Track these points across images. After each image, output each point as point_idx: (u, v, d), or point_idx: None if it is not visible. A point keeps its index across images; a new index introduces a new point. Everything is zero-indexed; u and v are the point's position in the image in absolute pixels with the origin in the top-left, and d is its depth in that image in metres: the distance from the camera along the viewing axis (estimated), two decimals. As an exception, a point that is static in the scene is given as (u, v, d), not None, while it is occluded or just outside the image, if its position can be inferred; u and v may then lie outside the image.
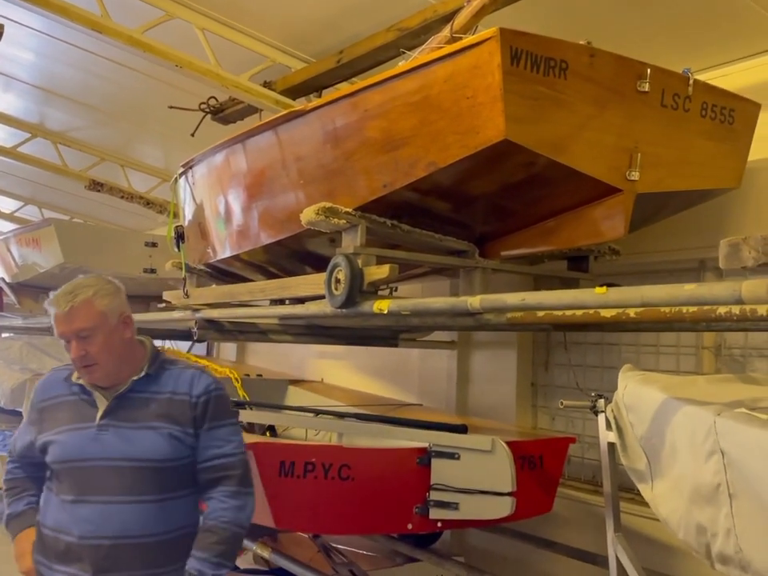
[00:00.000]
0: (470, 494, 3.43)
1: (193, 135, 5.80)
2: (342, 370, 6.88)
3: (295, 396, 6.17)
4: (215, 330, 5.12)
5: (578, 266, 4.10)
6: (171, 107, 5.99)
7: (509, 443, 3.47)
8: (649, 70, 3.12)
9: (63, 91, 7.22)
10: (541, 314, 3.07)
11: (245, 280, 4.94)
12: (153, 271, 7.40)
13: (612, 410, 3.00)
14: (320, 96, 5.11)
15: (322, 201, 3.46)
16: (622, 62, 3.09)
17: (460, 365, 5.70)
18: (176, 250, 5.33)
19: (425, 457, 3.54)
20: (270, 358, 7.75)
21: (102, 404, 2.62)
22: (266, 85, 5.24)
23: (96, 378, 2.63)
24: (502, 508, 3.39)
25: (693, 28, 4.04)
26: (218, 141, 4.48)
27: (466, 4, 3.60)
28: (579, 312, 2.93)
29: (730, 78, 4.05)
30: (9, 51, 6.32)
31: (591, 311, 2.87)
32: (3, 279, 8.79)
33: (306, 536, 4.97)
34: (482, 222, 3.68)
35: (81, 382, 2.67)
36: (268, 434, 5.64)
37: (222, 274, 5.20)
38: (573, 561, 4.33)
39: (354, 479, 3.42)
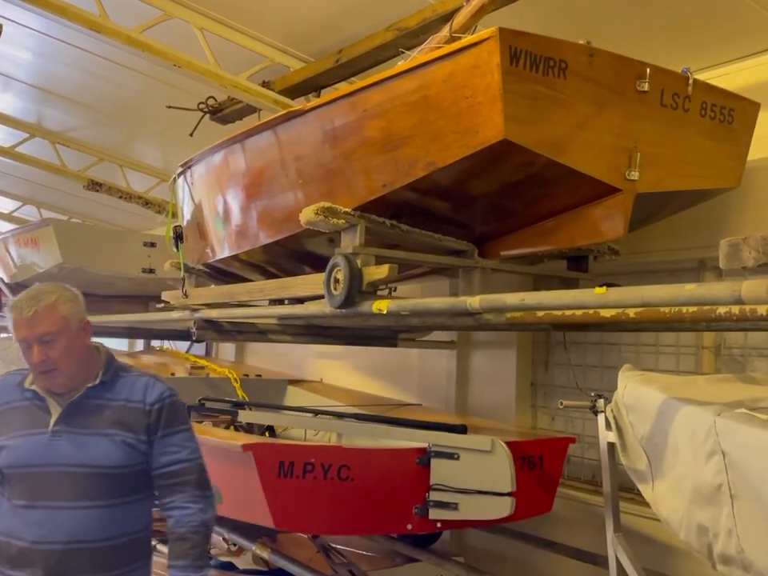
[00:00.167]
0: (469, 494, 3.42)
1: (191, 135, 5.80)
2: (341, 370, 6.88)
3: (294, 396, 6.16)
4: (214, 330, 5.11)
5: (578, 266, 4.10)
6: (170, 107, 5.99)
7: (508, 443, 3.46)
8: (648, 70, 3.12)
9: (61, 91, 7.22)
10: (540, 314, 3.06)
11: (244, 280, 4.93)
12: (151, 271, 7.39)
13: (612, 410, 3.00)
14: (319, 96, 5.10)
15: (321, 201, 3.46)
16: (621, 62, 3.09)
17: (459, 365, 5.69)
18: (175, 250, 5.33)
19: (424, 457, 3.53)
20: (269, 358, 7.74)
21: (56, 410, 2.64)
22: (265, 84, 5.23)
23: (55, 384, 2.64)
24: (502, 508, 3.39)
25: (692, 27, 4.04)
26: (216, 141, 4.48)
27: (465, 4, 3.59)
28: (579, 312, 2.93)
29: (730, 77, 4.04)
30: (7, 51, 6.32)
31: (591, 311, 2.87)
32: (2, 279, 8.78)
33: (306, 536, 4.97)
34: (482, 222, 3.67)
35: (34, 387, 2.67)
36: (267, 434, 5.64)
37: (220, 274, 5.19)
38: (572, 561, 4.32)
39: (353, 479, 3.41)
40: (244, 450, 3.33)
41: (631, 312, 2.83)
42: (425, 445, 3.58)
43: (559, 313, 3.02)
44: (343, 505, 3.43)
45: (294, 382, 6.39)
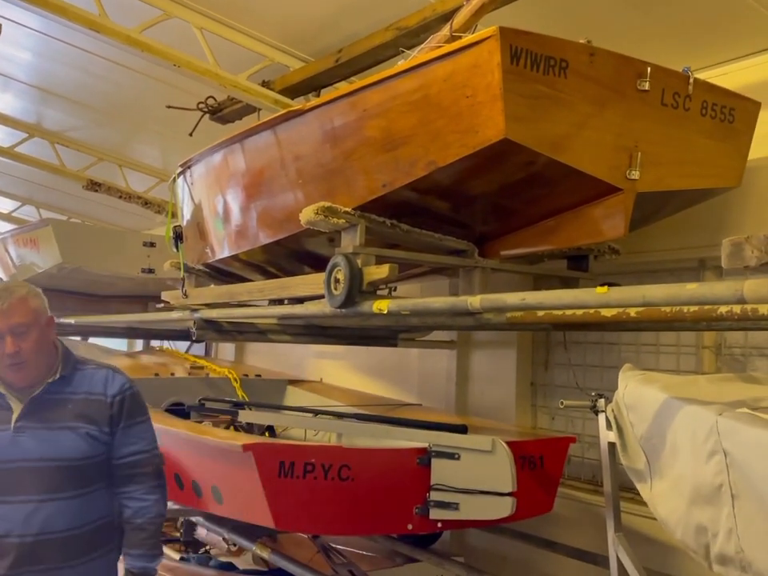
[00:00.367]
0: (470, 494, 3.42)
1: (191, 135, 5.80)
2: (341, 370, 6.87)
3: (294, 396, 6.16)
4: (214, 330, 5.10)
5: (578, 266, 4.10)
6: (169, 107, 5.99)
7: (509, 443, 3.45)
8: (649, 69, 3.11)
9: (61, 91, 7.21)
10: (541, 313, 3.06)
11: (243, 280, 4.92)
12: (151, 271, 7.39)
13: (612, 410, 2.99)
14: (318, 95, 5.10)
15: (321, 200, 3.45)
16: (622, 61, 3.08)
17: (459, 364, 5.69)
18: (174, 250, 5.33)
19: (425, 457, 3.53)
20: (269, 358, 7.73)
21: (17, 406, 2.70)
22: (265, 84, 5.23)
23: (22, 377, 2.70)
24: (503, 508, 3.38)
25: (693, 27, 4.03)
26: (216, 140, 4.47)
27: (465, 3, 3.58)
28: (580, 312, 2.92)
29: (730, 76, 4.04)
30: (6, 51, 6.32)
31: (592, 311, 2.87)
32: (1, 280, 8.78)
33: (306, 536, 4.96)
34: (482, 222, 3.67)
35: None
36: (267, 434, 5.63)
37: (220, 274, 5.19)
38: (573, 561, 4.32)
39: (353, 480, 3.40)
40: (244, 450, 3.32)
41: (632, 311, 2.83)
42: (425, 445, 3.57)
43: (560, 312, 3.01)
44: (344, 505, 3.43)
45: (294, 382, 6.38)
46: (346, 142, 3.47)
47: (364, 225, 3.44)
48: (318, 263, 3.93)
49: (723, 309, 2.48)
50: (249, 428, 5.59)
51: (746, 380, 3.03)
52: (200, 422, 5.11)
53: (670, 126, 3.25)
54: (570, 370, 5.01)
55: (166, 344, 8.44)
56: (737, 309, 2.42)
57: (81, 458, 2.71)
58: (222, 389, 6.05)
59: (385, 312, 3.29)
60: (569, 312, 2.97)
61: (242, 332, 5.19)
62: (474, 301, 2.99)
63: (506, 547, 4.99)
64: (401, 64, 3.29)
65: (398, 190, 3.30)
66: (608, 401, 3.06)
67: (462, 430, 3.93)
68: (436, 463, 3.51)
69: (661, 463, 2.61)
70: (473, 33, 3.34)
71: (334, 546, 4.85)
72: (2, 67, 6.87)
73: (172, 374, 6.26)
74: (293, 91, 5.21)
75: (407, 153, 3.20)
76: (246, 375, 6.38)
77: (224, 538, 5.32)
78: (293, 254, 4.32)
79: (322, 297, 3.60)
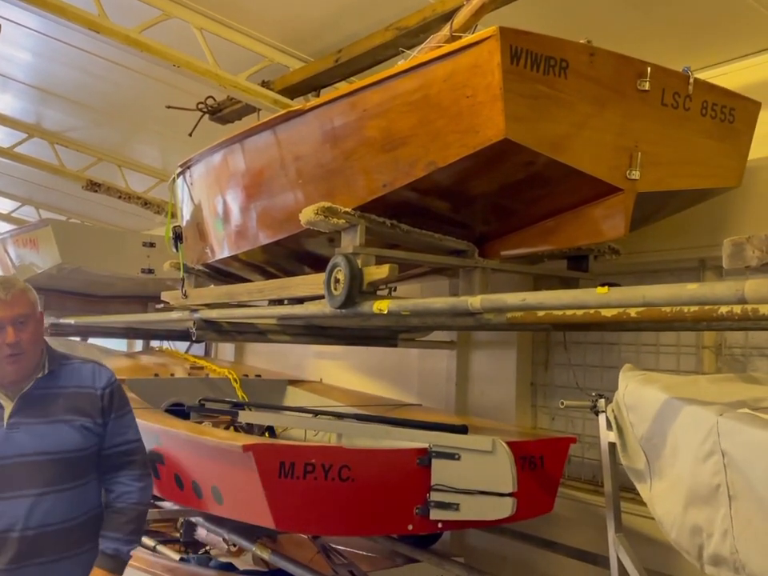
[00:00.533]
0: (470, 494, 3.41)
1: (191, 135, 5.80)
2: (341, 370, 6.87)
3: (294, 396, 6.16)
4: (214, 331, 5.10)
5: (578, 266, 4.09)
6: (169, 107, 5.99)
7: (509, 443, 3.45)
8: (649, 69, 3.11)
9: (60, 91, 7.21)
10: (541, 313, 3.06)
11: (243, 280, 4.92)
12: (151, 271, 7.38)
13: (612, 410, 2.99)
14: (318, 95, 5.10)
15: (321, 201, 3.45)
16: (622, 61, 3.08)
17: (459, 365, 5.68)
18: (174, 250, 5.32)
19: (425, 457, 3.52)
20: (269, 358, 7.73)
21: (8, 403, 2.73)
22: (264, 84, 5.23)
23: (18, 368, 2.73)
24: (503, 509, 3.37)
25: (693, 26, 4.03)
26: (215, 141, 4.47)
27: (465, 3, 3.59)
28: (580, 312, 2.92)
29: (730, 76, 4.04)
30: (5, 51, 6.31)
31: (592, 311, 2.86)
32: (0, 279, 8.75)
33: (306, 537, 4.96)
34: (482, 222, 3.67)
35: None
36: (267, 434, 5.63)
37: (220, 274, 5.18)
38: (573, 561, 4.32)
39: (354, 480, 3.40)
40: (244, 450, 3.31)
41: (632, 312, 2.82)
42: (426, 445, 3.57)
43: (560, 313, 3.01)
44: (344, 505, 3.42)
45: (294, 383, 6.38)
46: (346, 142, 3.47)
47: (364, 225, 3.44)
48: (318, 263, 3.93)
49: (724, 309, 2.48)
50: (249, 428, 5.59)
51: (746, 380, 3.03)
52: (200, 423, 5.10)
53: (670, 126, 3.25)
54: (570, 370, 5.01)
55: (165, 344, 8.44)
56: (737, 309, 2.42)
57: (76, 450, 2.78)
58: (222, 389, 6.05)
59: (385, 312, 3.29)
60: (569, 312, 2.96)
61: (242, 332, 5.19)
62: (475, 301, 2.98)
63: (507, 547, 4.99)
64: (401, 64, 3.28)
65: (398, 190, 3.30)
66: (608, 401, 3.05)
67: (462, 430, 3.93)
68: (436, 463, 3.50)
69: (661, 463, 2.61)
70: (473, 33, 3.34)
71: (334, 546, 4.85)
72: (1, 67, 6.86)
73: (172, 375, 6.26)
74: (292, 91, 5.21)
75: (407, 153, 3.20)
76: (246, 375, 6.38)
77: (224, 539, 5.31)
78: (293, 255, 4.32)
79: (321, 297, 3.60)
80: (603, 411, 3.08)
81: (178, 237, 5.26)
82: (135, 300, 8.23)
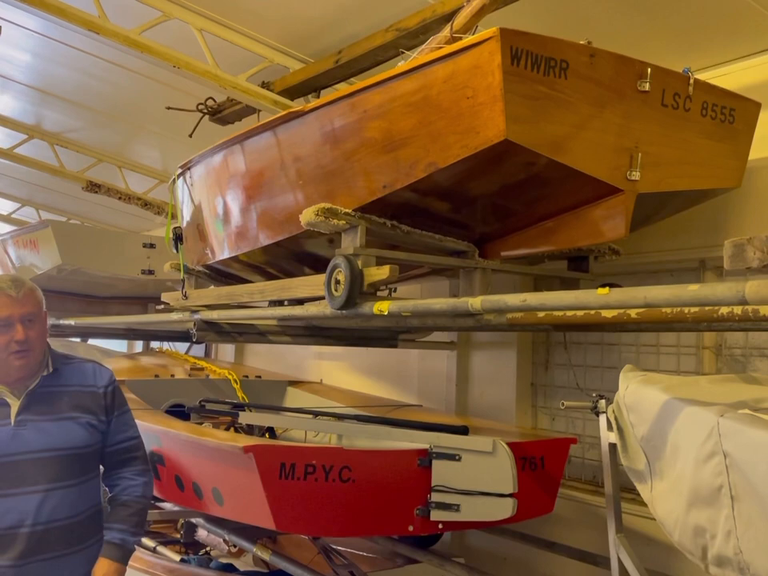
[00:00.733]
0: (471, 495, 3.41)
1: (191, 136, 5.80)
2: (341, 371, 6.87)
3: (294, 397, 6.16)
4: (214, 332, 5.10)
5: (578, 266, 4.10)
6: (169, 108, 5.99)
7: (510, 444, 3.45)
8: (649, 70, 3.11)
9: (60, 92, 7.21)
10: (541, 314, 3.06)
11: (243, 281, 4.92)
12: (151, 272, 7.39)
13: (613, 411, 2.99)
14: (318, 96, 5.10)
15: (322, 202, 3.45)
16: (622, 62, 3.08)
17: (459, 365, 5.69)
18: (174, 251, 5.33)
19: (426, 458, 3.52)
20: (269, 359, 7.74)
21: (14, 401, 2.78)
22: (264, 85, 5.23)
23: (24, 364, 2.78)
24: (504, 509, 3.37)
25: (693, 27, 4.03)
26: (216, 142, 4.47)
27: (465, 4, 3.59)
28: (580, 313, 2.92)
29: (731, 77, 4.04)
30: (6, 52, 6.32)
31: (592, 312, 2.86)
32: None
33: (306, 538, 4.96)
34: (482, 223, 3.67)
35: None
36: (267, 435, 5.63)
37: (220, 275, 5.19)
38: (574, 562, 4.32)
39: (354, 481, 3.40)
40: (245, 451, 3.31)
41: (633, 312, 2.83)
42: (426, 446, 3.57)
43: (560, 313, 3.01)
44: (345, 506, 3.42)
45: (294, 383, 6.38)
46: (347, 143, 3.47)
47: (364, 226, 3.44)
48: (319, 264, 3.93)
49: (724, 310, 2.48)
50: (249, 429, 5.59)
51: (746, 381, 3.03)
52: (200, 424, 5.11)
53: (671, 127, 3.25)
54: (571, 370, 5.01)
55: (165, 345, 8.44)
56: (738, 310, 2.42)
57: (82, 447, 2.83)
58: (222, 390, 6.05)
59: (385, 313, 3.29)
60: (570, 313, 2.96)
61: (242, 333, 5.19)
62: (475, 302, 2.98)
63: (507, 548, 4.99)
64: (401, 65, 3.28)
65: (399, 191, 3.30)
66: (609, 402, 3.05)
67: (463, 431, 3.93)
68: (437, 464, 3.50)
69: (661, 464, 2.61)
70: (473, 34, 3.34)
71: (334, 547, 4.85)
72: (1, 68, 6.86)
73: (172, 376, 6.25)
74: (292, 92, 5.21)
75: (408, 154, 3.19)
76: (246, 376, 6.37)
77: (224, 540, 5.31)
78: (293, 256, 4.32)
79: (322, 298, 3.60)
80: (604, 412, 3.08)
81: (178, 238, 5.27)
82: (135, 301, 8.23)
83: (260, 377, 6.50)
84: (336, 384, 6.39)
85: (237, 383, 6.11)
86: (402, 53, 3.72)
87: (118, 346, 10.47)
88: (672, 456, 2.51)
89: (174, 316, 5.40)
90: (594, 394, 3.17)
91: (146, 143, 8.51)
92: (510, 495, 3.37)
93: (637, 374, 2.98)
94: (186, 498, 4.10)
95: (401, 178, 3.25)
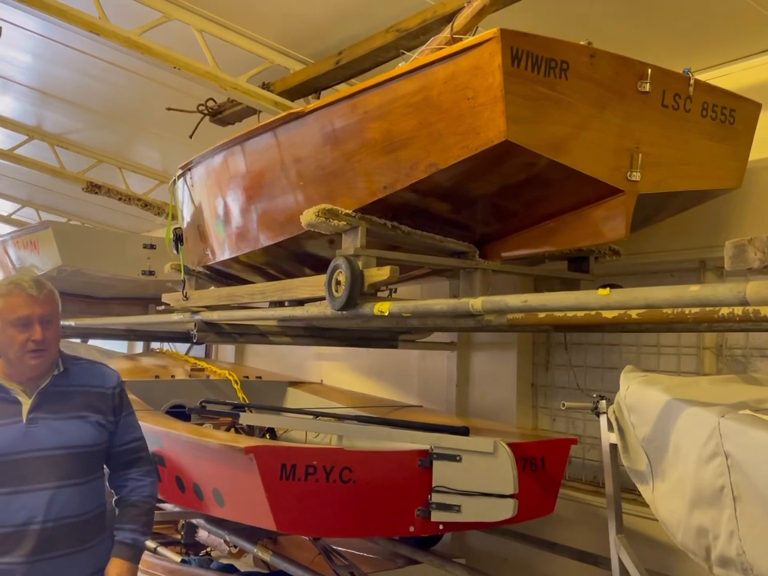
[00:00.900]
0: (471, 496, 3.41)
1: (191, 137, 5.80)
2: (341, 372, 6.87)
3: (295, 398, 6.15)
4: (214, 332, 5.10)
5: (579, 267, 4.09)
6: (169, 109, 5.99)
7: (510, 445, 3.44)
8: (649, 70, 3.11)
9: (61, 93, 7.21)
10: (542, 315, 3.06)
11: (244, 282, 4.92)
12: (151, 273, 7.40)
13: (614, 411, 2.99)
14: (319, 97, 5.10)
15: (322, 202, 3.45)
16: (622, 63, 3.08)
17: (460, 366, 5.69)
18: (175, 252, 5.33)
19: (426, 459, 3.52)
20: (269, 360, 7.74)
21: (25, 399, 2.82)
22: (265, 86, 5.23)
23: (40, 363, 2.82)
24: (505, 510, 3.37)
25: (693, 28, 4.04)
26: (216, 142, 4.47)
27: (466, 5, 3.59)
28: (581, 313, 2.92)
29: (731, 77, 4.04)
30: (6, 53, 6.32)
31: (593, 312, 2.86)
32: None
33: (307, 538, 4.96)
34: (483, 223, 3.67)
35: None
36: (267, 436, 5.63)
37: (221, 276, 5.19)
38: (574, 562, 4.32)
39: (355, 482, 3.40)
40: (246, 452, 3.31)
41: (633, 313, 2.82)
42: (427, 447, 3.57)
43: (561, 314, 3.01)
44: (345, 507, 3.42)
45: (295, 384, 6.38)
46: (347, 144, 3.47)
47: (365, 227, 3.44)
48: (319, 265, 3.93)
49: (725, 310, 2.48)
50: (249, 430, 5.59)
51: (747, 381, 3.03)
52: (201, 425, 5.10)
53: (671, 128, 3.25)
54: (571, 371, 5.01)
55: (166, 346, 8.44)
56: (739, 311, 2.42)
57: (91, 445, 2.88)
58: (223, 391, 6.05)
59: (386, 314, 3.29)
60: (570, 314, 2.96)
61: (243, 334, 5.20)
62: (476, 303, 2.98)
63: (508, 549, 4.99)
64: (401, 66, 3.28)
65: (399, 192, 3.30)
66: (609, 402, 3.05)
67: (463, 431, 3.93)
68: (437, 465, 3.50)
69: (663, 465, 2.61)
70: (473, 35, 3.34)
71: (334, 547, 4.85)
72: (1, 70, 6.86)
73: (172, 376, 6.26)
74: (293, 93, 5.21)
75: (408, 155, 3.20)
76: (247, 377, 6.37)
77: (225, 540, 5.31)
78: (293, 256, 4.32)
79: (322, 299, 3.60)
80: (604, 412, 3.08)
81: (178, 239, 5.27)
82: (136, 302, 8.24)
83: (260, 377, 6.50)
84: (336, 385, 6.39)
85: (237, 384, 6.11)
86: (403, 54, 3.73)
87: (119, 346, 10.48)
88: (673, 457, 2.51)
89: (175, 317, 5.40)
90: (594, 395, 3.17)
91: (146, 144, 8.51)
92: (511, 496, 3.37)
93: (638, 375, 2.98)
94: (186, 499, 4.10)
95: (401, 179, 3.25)
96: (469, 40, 2.98)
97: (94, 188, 8.77)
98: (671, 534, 2.52)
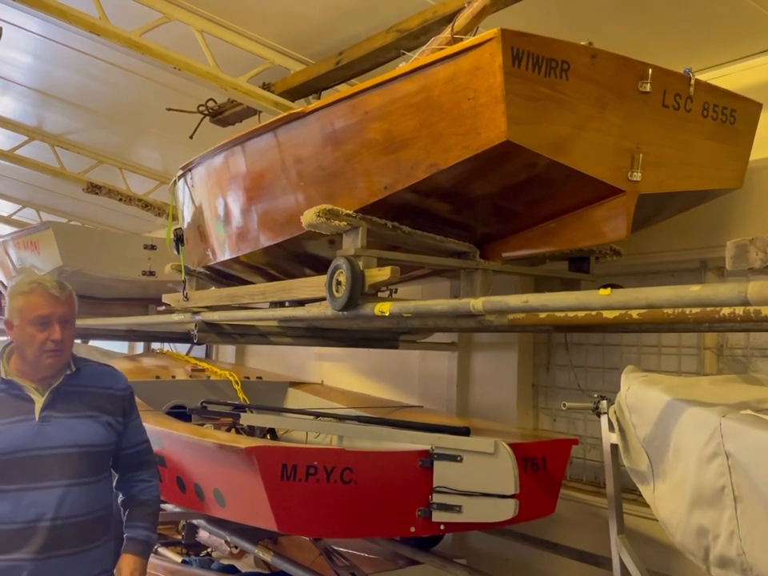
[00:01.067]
0: (472, 496, 3.41)
1: (191, 137, 5.80)
2: (342, 372, 6.87)
3: (295, 398, 6.16)
4: (215, 333, 5.10)
5: (579, 267, 4.09)
6: (169, 109, 5.99)
7: (511, 445, 3.44)
8: (650, 71, 3.11)
9: (61, 94, 7.21)
10: (543, 315, 3.06)
11: (244, 282, 4.92)
12: (152, 274, 7.40)
13: (614, 412, 2.99)
14: (319, 98, 5.10)
15: (323, 203, 3.45)
16: (623, 63, 3.08)
17: (460, 366, 5.69)
18: (175, 252, 5.33)
19: (427, 459, 3.52)
20: (270, 360, 7.74)
21: (38, 398, 2.85)
22: (265, 87, 5.23)
23: (56, 363, 2.86)
24: (506, 510, 3.37)
25: (694, 28, 4.04)
26: (216, 143, 4.47)
27: (466, 5, 3.59)
28: (582, 313, 2.92)
29: (731, 77, 4.04)
30: (7, 54, 6.31)
31: (594, 313, 2.86)
32: (2, 283, 8.78)
33: (307, 539, 4.96)
34: (484, 224, 3.66)
35: (9, 378, 2.85)
36: (268, 436, 5.63)
37: (221, 276, 5.19)
38: (575, 562, 4.32)
39: (356, 482, 3.40)
40: (247, 452, 3.32)
41: (634, 313, 2.82)
42: (428, 447, 3.57)
43: (562, 314, 3.01)
44: (346, 508, 3.42)
45: (295, 384, 6.38)
46: (348, 145, 3.47)
47: (365, 227, 3.44)
48: (320, 266, 3.93)
49: (726, 311, 2.48)
50: (250, 431, 5.59)
51: (748, 381, 3.03)
52: (201, 425, 5.11)
53: (672, 128, 3.25)
54: (572, 371, 5.01)
55: (166, 346, 8.44)
56: (739, 311, 2.42)
57: (102, 445, 2.91)
58: (223, 391, 6.05)
59: (387, 314, 3.29)
60: (571, 314, 2.96)
61: (243, 334, 5.20)
62: (477, 303, 2.98)
63: (508, 549, 4.99)
64: (402, 66, 3.28)
65: (400, 192, 3.30)
66: (610, 402, 3.05)
67: (464, 432, 3.93)
68: (438, 465, 3.50)
69: (663, 465, 2.61)
70: (474, 35, 3.34)
71: (335, 548, 4.85)
72: (2, 70, 6.85)
73: (173, 377, 6.26)
74: (293, 94, 5.21)
75: (409, 155, 3.19)
76: (247, 377, 6.38)
77: (226, 541, 5.32)
78: (294, 257, 4.32)
79: (323, 299, 3.60)
80: (605, 413, 3.08)
81: (179, 239, 5.27)
82: (136, 302, 8.24)
83: (261, 378, 6.51)
84: (337, 385, 6.39)
85: (238, 384, 6.11)
86: (403, 54, 3.73)
87: (119, 347, 10.47)
88: (674, 457, 2.51)
89: (175, 317, 5.40)
90: (595, 395, 3.17)
91: (146, 144, 8.51)
92: (512, 496, 3.37)
93: (638, 375, 2.98)
94: (187, 500, 4.10)
95: (402, 179, 3.25)
96: (469, 40, 2.98)
97: (94, 189, 8.77)
98: (671, 534, 2.53)
